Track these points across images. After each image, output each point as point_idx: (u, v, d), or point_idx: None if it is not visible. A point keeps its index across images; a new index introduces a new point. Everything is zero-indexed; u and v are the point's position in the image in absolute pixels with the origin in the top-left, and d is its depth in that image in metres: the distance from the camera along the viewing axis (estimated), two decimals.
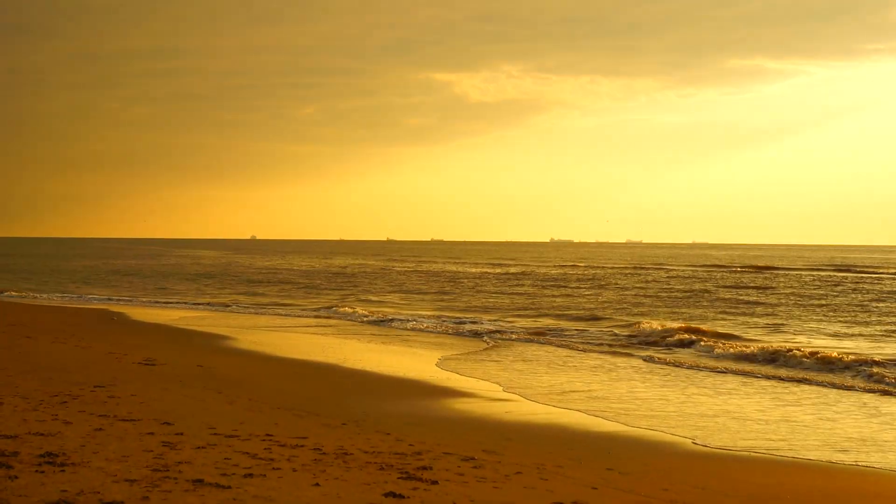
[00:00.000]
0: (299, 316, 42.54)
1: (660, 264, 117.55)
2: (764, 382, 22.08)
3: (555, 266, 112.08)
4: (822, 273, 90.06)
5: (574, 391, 20.25)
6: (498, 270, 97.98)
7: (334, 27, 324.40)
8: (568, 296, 56.88)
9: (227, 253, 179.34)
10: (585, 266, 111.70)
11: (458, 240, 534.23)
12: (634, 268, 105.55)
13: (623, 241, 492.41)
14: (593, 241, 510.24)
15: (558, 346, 29.68)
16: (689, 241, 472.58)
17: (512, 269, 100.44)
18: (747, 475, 12.71)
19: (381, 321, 38.64)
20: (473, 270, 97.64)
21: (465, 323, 38.11)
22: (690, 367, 24.61)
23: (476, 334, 33.64)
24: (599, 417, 16.97)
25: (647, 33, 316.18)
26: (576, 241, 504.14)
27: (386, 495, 10.09)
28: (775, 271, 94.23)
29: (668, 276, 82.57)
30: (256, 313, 44.32)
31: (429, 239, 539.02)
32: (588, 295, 57.55)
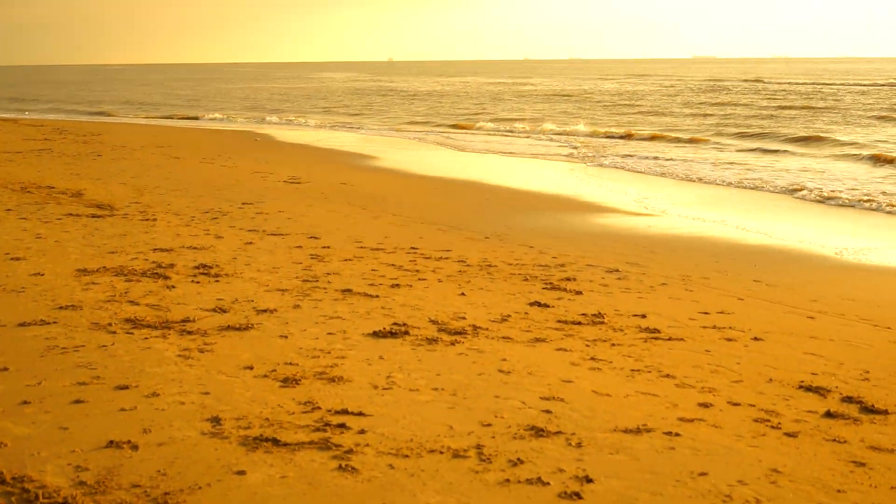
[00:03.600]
0: (429, 132, 42.55)
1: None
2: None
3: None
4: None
5: (712, 204, 19.96)
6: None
7: None
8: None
9: (363, 75, 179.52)
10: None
11: (595, 58, 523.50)
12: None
13: (769, 56, 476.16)
14: (736, 56, 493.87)
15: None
16: (840, 55, 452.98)
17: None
18: None
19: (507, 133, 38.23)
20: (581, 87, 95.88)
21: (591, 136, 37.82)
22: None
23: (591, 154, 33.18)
24: (744, 231, 16.69)
25: None
26: (718, 56, 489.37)
27: (531, 304, 10.17)
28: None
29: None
30: (395, 133, 44.52)
31: (567, 58, 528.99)
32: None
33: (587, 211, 18.82)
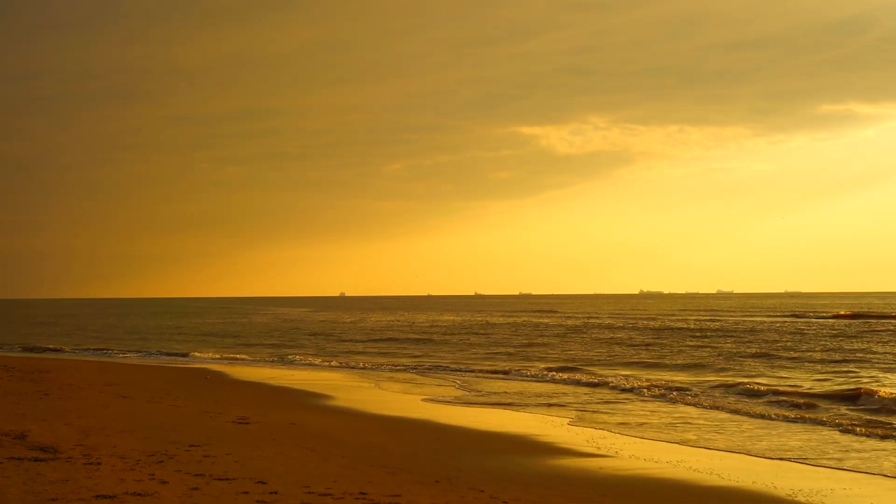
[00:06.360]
0: (386, 370, 42.58)
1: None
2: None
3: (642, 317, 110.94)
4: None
5: (666, 440, 19.97)
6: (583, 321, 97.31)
7: (420, 85, 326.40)
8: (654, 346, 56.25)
9: (315, 310, 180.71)
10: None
11: (546, 293, 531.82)
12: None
13: (714, 291, 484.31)
14: (683, 291, 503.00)
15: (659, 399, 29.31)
16: (781, 290, 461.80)
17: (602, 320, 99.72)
18: None
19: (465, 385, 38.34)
20: (569, 322, 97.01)
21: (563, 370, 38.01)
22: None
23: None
24: (696, 472, 16.66)
25: (736, 81, 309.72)
26: (665, 292, 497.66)
27: None
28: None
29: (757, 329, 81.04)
30: (351, 369, 44.49)
31: (517, 293, 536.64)
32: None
33: (537, 451, 18.74)
